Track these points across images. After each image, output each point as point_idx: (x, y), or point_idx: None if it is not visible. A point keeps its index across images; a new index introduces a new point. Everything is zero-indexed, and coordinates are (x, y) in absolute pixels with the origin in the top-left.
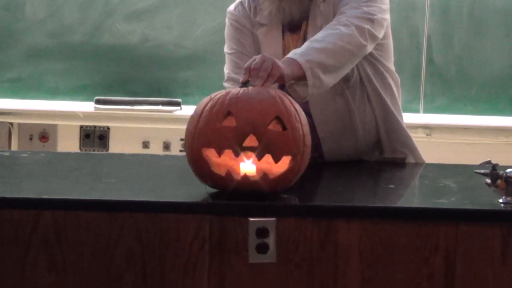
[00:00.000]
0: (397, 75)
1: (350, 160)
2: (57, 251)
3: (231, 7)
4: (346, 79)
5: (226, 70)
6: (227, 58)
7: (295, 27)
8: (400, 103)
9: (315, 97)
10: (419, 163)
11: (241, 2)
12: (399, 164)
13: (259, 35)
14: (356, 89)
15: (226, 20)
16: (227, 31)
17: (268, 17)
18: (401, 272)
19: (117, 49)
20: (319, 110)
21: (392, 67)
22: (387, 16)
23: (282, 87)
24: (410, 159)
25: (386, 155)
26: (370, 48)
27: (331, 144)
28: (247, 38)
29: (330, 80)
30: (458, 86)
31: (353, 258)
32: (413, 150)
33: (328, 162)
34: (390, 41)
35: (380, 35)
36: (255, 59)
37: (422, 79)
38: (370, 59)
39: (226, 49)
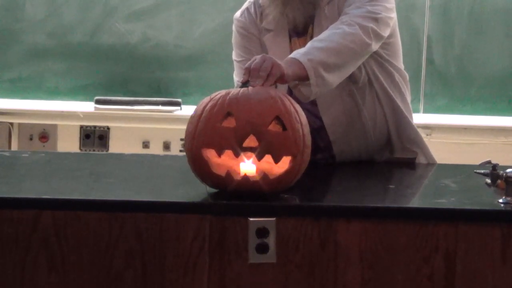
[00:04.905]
0: (405, 72)
1: (361, 160)
2: (57, 251)
3: (237, 14)
4: (354, 81)
5: (236, 77)
6: (236, 66)
7: (302, 31)
8: (409, 100)
9: (324, 99)
10: (431, 164)
11: (247, 8)
12: (408, 164)
13: (266, 41)
14: (365, 89)
15: (233, 27)
16: (234, 38)
17: (274, 22)
18: (401, 272)
19: (117, 49)
20: (329, 112)
21: (400, 65)
22: (393, 15)
23: (290, 92)
24: (421, 158)
25: (396, 155)
26: (375, 46)
27: (342, 145)
28: (255, 45)
29: (334, 78)
30: (458, 86)
31: (353, 258)
32: (422, 147)
33: (340, 163)
34: (398, 40)
35: (386, 33)
36: (255, 59)
37: (422, 79)
38: (378, 58)
39: (234, 56)
